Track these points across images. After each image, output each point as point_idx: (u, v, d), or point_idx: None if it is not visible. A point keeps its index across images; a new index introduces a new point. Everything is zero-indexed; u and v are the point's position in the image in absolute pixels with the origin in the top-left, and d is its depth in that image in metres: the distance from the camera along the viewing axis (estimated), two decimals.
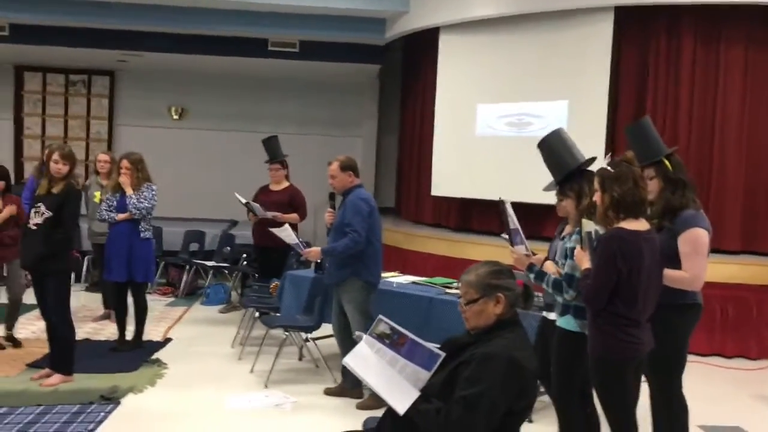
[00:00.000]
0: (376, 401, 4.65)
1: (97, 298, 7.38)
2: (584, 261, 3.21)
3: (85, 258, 8.74)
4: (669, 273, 3.47)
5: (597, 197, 3.25)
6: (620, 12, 7.34)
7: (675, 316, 3.58)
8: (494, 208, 3.92)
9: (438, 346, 2.59)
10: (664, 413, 3.71)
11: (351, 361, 2.54)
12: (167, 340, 6.34)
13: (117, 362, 5.50)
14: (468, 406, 2.32)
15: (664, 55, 7.35)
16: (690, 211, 3.57)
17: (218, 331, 6.76)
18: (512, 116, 8.05)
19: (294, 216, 6.94)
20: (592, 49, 7.39)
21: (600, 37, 7.34)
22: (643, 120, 3.96)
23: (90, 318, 7.02)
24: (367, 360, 2.53)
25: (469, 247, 7.77)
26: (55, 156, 4.92)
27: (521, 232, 3.68)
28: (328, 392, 5.00)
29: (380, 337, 2.55)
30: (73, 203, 4.99)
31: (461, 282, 2.60)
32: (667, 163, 3.68)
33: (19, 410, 4.38)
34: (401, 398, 2.43)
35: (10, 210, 5.67)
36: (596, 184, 3.24)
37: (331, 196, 5.22)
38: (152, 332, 6.46)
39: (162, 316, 7.36)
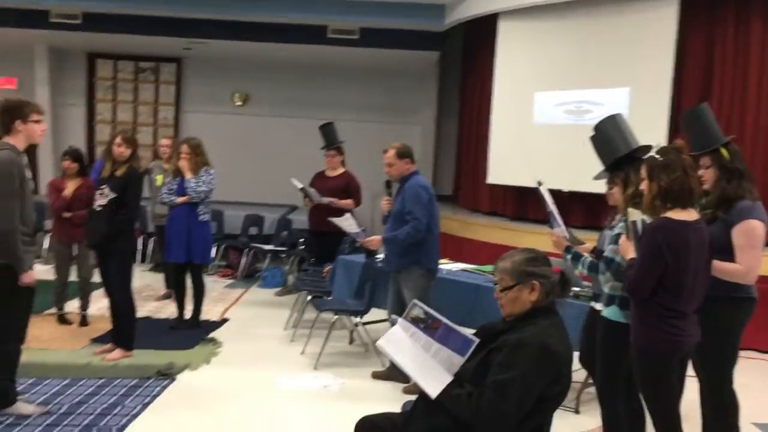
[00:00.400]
0: (392, 373, 4.71)
1: (160, 278, 7.65)
2: (629, 251, 3.15)
3: (150, 239, 9.05)
4: (722, 266, 3.37)
5: (644, 186, 3.18)
6: None
7: (728, 310, 3.48)
8: (552, 196, 3.88)
9: (473, 332, 2.61)
10: (714, 409, 3.63)
11: (385, 344, 2.58)
12: (224, 321, 6.53)
13: (175, 340, 5.70)
14: (499, 392, 2.33)
15: (731, 42, 7.08)
16: (746, 202, 3.46)
17: (273, 313, 6.92)
18: (571, 104, 7.92)
19: (349, 202, 7.01)
20: (656, 35, 7.19)
21: (664, 22, 7.13)
22: (701, 106, 3.83)
23: (152, 297, 7.29)
24: (401, 343, 2.57)
25: (524, 236, 7.70)
26: (118, 140, 5.13)
27: (558, 216, 3.65)
28: (376, 376, 5.06)
29: (415, 321, 2.58)
30: (135, 186, 5.19)
31: (497, 269, 2.60)
32: (724, 151, 3.57)
33: (81, 382, 4.61)
34: (434, 382, 2.46)
35: (67, 192, 5.91)
36: (644, 173, 3.16)
37: (388, 184, 5.18)
38: (210, 312, 6.67)
39: (220, 297, 7.58)
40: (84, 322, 6.04)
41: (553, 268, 2.58)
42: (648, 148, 3.51)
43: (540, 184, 3.60)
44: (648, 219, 3.17)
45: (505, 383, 2.33)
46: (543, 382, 2.36)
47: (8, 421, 3.85)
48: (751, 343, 6.30)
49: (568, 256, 3.58)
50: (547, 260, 2.59)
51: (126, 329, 5.22)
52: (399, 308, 4.94)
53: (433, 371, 2.50)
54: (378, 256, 5.82)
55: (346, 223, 5.23)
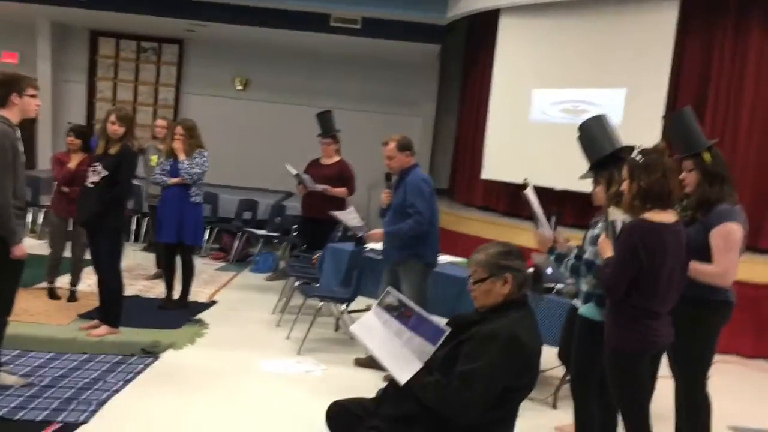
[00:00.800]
0: (375, 361, 4.71)
1: (151, 257, 7.69)
2: (607, 249, 3.18)
3: (145, 219, 9.08)
4: (698, 267, 3.41)
5: (625, 185, 3.20)
6: (686, 1, 7.11)
7: (705, 313, 3.53)
8: (545, 194, 3.91)
9: (446, 321, 2.65)
10: (687, 410, 3.67)
11: (358, 329, 2.63)
12: (212, 303, 6.57)
13: (162, 319, 5.75)
14: (465, 381, 2.38)
15: (729, 48, 7.11)
16: (725, 205, 3.50)
17: (262, 297, 6.96)
18: (568, 102, 7.95)
19: (343, 190, 7.04)
20: (655, 38, 7.21)
21: (663, 25, 7.15)
22: (685, 110, 3.86)
23: (143, 276, 7.33)
24: (374, 330, 2.61)
25: (517, 232, 7.73)
26: (112, 117, 5.15)
27: (542, 216, 3.68)
28: (359, 362, 5.11)
29: (388, 309, 2.62)
30: (128, 164, 5.18)
31: (471, 261, 2.64)
32: (706, 155, 3.60)
33: (65, 356, 4.66)
34: (404, 368, 2.51)
35: (71, 165, 5.94)
36: (624, 173, 3.18)
37: (388, 176, 5.13)
38: (199, 294, 6.71)
39: (211, 279, 7.62)
40: (73, 297, 6.07)
41: (528, 261, 2.61)
42: (631, 149, 3.54)
43: (526, 184, 3.63)
44: (628, 219, 3.21)
45: (471, 373, 2.38)
46: (510, 373, 2.41)
47: None
48: (731, 348, 6.35)
49: (552, 257, 3.61)
50: (520, 254, 2.63)
51: (113, 306, 5.26)
52: None
53: (403, 358, 2.54)
54: (367, 245, 5.86)
55: (350, 216, 5.20)
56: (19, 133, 3.94)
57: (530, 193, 3.63)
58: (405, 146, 4.94)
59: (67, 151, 6.10)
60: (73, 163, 5.95)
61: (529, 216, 3.75)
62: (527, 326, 2.51)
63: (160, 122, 7.35)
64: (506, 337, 2.41)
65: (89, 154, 5.97)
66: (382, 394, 2.68)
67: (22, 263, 3.97)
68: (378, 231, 4.98)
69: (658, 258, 3.01)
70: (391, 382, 2.61)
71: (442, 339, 2.53)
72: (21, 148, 3.92)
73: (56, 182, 6.11)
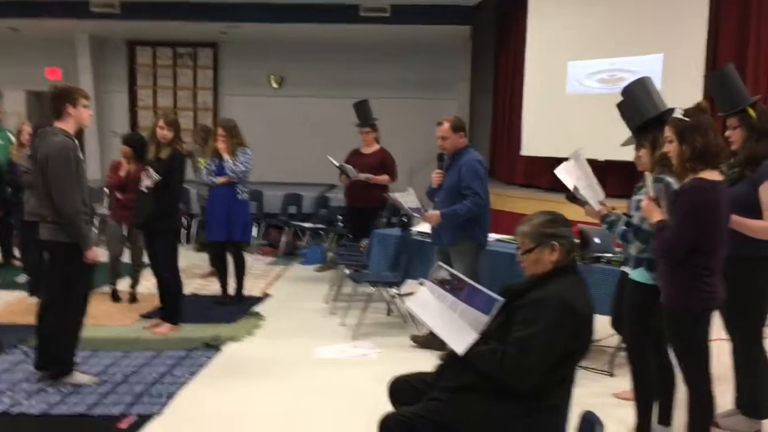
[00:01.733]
0: (431, 340, 4.73)
1: (204, 257, 7.90)
2: (655, 213, 3.17)
3: (194, 220, 9.31)
4: (749, 223, 3.41)
5: (671, 148, 3.17)
6: None
7: (757, 270, 3.52)
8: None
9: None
10: (746, 368, 3.68)
11: (413, 305, 2.71)
12: (266, 296, 6.75)
13: (220, 314, 5.93)
14: (522, 347, 2.44)
15: (767, 4, 6.94)
16: None
17: (313, 288, 7.11)
18: (604, 72, 7.89)
19: (385, 177, 7.11)
20: (689, 0, 7.10)
21: None
22: (727, 68, 3.83)
23: (198, 275, 7.54)
24: (429, 304, 2.69)
25: (559, 207, 7.55)
26: (160, 123, 5.33)
27: (597, 184, 3.70)
28: (415, 340, 5.18)
29: (441, 283, 2.70)
30: (178, 167, 5.38)
31: (517, 233, 2.70)
32: (751, 111, 3.57)
33: (133, 354, 4.86)
34: (461, 340, 2.58)
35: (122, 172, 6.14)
36: (671, 135, 3.12)
37: (440, 157, 5.08)
38: (253, 288, 6.89)
39: (263, 274, 7.80)
40: (134, 299, 6.30)
41: (574, 227, 2.66)
42: (672, 110, 3.52)
43: (578, 156, 3.64)
44: (673, 181, 3.21)
45: (527, 339, 2.44)
46: (563, 336, 2.46)
47: (67, 390, 4.10)
48: None
49: (605, 225, 3.60)
50: (566, 221, 2.68)
51: (173, 305, 5.46)
52: None
53: (459, 330, 2.61)
54: (413, 229, 5.93)
55: (409, 198, 5.15)
56: (77, 143, 4.13)
57: (582, 162, 3.64)
58: (459, 127, 4.97)
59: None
60: (123, 170, 6.15)
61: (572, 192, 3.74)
62: (577, 291, 2.56)
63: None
64: (557, 302, 2.46)
65: (141, 164, 6.18)
66: (440, 366, 2.75)
67: (94, 267, 4.19)
68: (435, 212, 4.93)
69: (718, 216, 3.03)
70: (448, 353, 2.69)
71: (496, 309, 2.59)
72: (81, 156, 4.11)
73: (108, 189, 6.32)
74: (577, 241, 2.69)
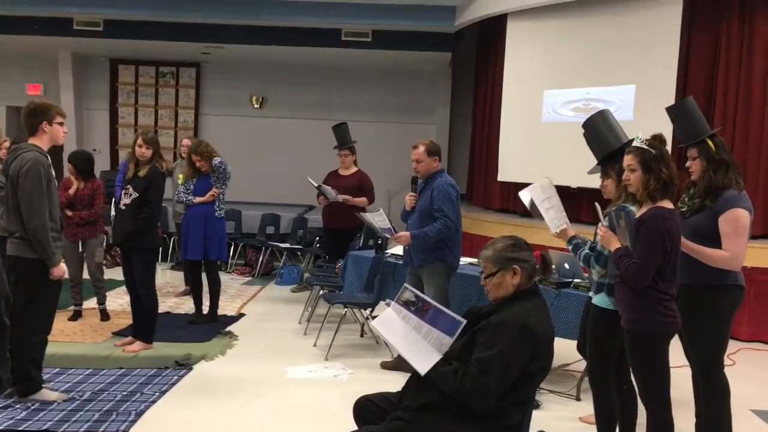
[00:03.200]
0: (401, 362, 4.78)
1: (179, 275, 7.89)
2: (612, 241, 3.28)
3: (171, 239, 9.31)
4: (709, 252, 3.51)
5: (632, 177, 3.26)
6: None
7: (717, 297, 3.60)
8: (561, 193, 4.01)
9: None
10: (707, 395, 3.74)
11: (378, 325, 2.76)
12: (240, 315, 6.76)
13: (193, 333, 5.94)
14: (482, 368, 2.51)
15: (736, 38, 7.17)
16: (732, 191, 3.58)
17: (288, 308, 7.13)
18: (579, 101, 8.05)
19: (363, 200, 7.19)
20: (661, 33, 7.30)
21: (669, 20, 7.24)
22: (687, 100, 3.97)
23: (173, 293, 7.54)
24: (393, 325, 2.75)
25: (533, 232, 7.80)
26: (139, 141, 5.38)
27: (560, 207, 3.80)
28: (385, 366, 5.24)
29: (406, 304, 2.76)
30: (157, 185, 5.39)
31: (480, 258, 2.77)
32: (710, 143, 3.69)
33: (103, 371, 4.85)
34: (423, 360, 2.64)
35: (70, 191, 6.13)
36: (634, 164, 3.22)
37: (414, 180, 5.19)
38: (227, 308, 6.91)
39: (238, 293, 7.81)
40: (105, 316, 6.28)
41: (535, 252, 2.74)
42: (632, 140, 3.64)
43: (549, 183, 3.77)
44: (634, 209, 3.32)
45: (487, 360, 2.50)
46: (523, 358, 2.53)
47: (34, 407, 4.09)
48: (755, 335, 6.41)
49: (570, 246, 3.69)
50: (527, 246, 2.76)
51: (147, 323, 5.45)
52: None
53: (423, 350, 2.67)
54: (388, 251, 6.00)
55: (379, 218, 5.23)
56: (49, 160, 4.15)
57: (549, 188, 3.75)
58: (434, 151, 5.06)
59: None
60: (73, 189, 6.15)
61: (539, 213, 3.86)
62: (538, 314, 2.64)
63: (185, 141, 7.52)
64: (518, 324, 2.53)
65: (92, 180, 6.23)
66: (404, 386, 2.80)
67: (60, 284, 4.19)
68: (405, 233, 5.02)
69: (676, 243, 3.13)
70: (412, 374, 2.74)
71: (459, 330, 2.66)
72: (53, 173, 4.13)
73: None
74: (538, 265, 2.76)
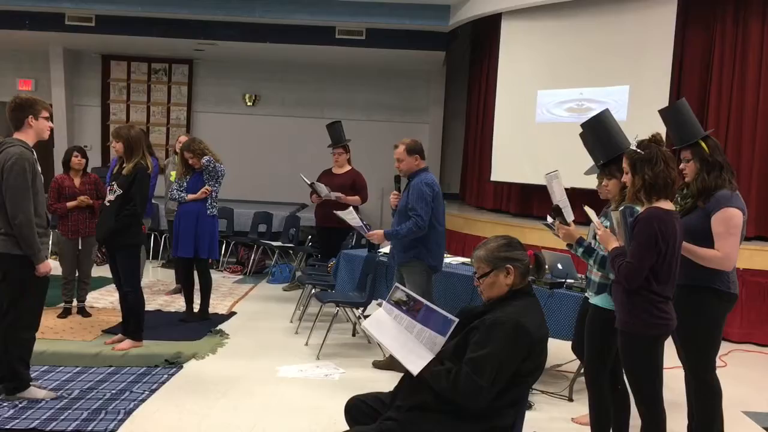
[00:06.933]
0: (393, 362, 4.81)
1: (171, 273, 7.84)
2: (610, 241, 3.27)
3: (163, 236, 9.26)
4: (701, 251, 3.51)
5: (627, 179, 3.29)
6: None
7: (710, 299, 3.60)
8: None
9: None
10: (698, 396, 3.73)
11: (370, 326, 2.73)
12: (232, 314, 6.71)
13: (183, 332, 5.89)
14: (475, 368, 2.48)
15: (730, 40, 7.18)
16: (725, 191, 3.58)
17: (280, 307, 7.09)
18: (572, 102, 8.05)
19: (356, 198, 7.17)
20: (655, 33, 7.30)
21: (663, 20, 7.24)
22: (680, 102, 3.96)
23: (163, 291, 7.49)
24: (385, 325, 2.72)
25: (527, 232, 7.82)
26: (112, 139, 5.36)
27: (568, 205, 3.75)
28: (377, 365, 5.21)
29: (397, 304, 2.73)
30: (141, 181, 5.25)
31: (473, 257, 2.75)
32: (703, 145, 3.68)
33: (92, 369, 4.80)
34: (416, 360, 2.61)
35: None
36: (626, 166, 3.27)
37: (397, 179, 5.26)
38: (219, 306, 6.86)
39: (229, 292, 7.77)
40: (83, 313, 6.23)
41: (528, 251, 2.72)
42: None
43: (556, 175, 3.71)
44: (640, 209, 3.30)
45: (480, 359, 2.48)
46: (516, 358, 2.51)
47: (22, 405, 4.04)
48: (747, 337, 6.41)
49: (580, 249, 3.58)
50: (520, 245, 2.73)
51: (135, 321, 5.41)
52: None
53: (415, 350, 2.65)
54: (380, 250, 5.98)
55: (350, 216, 5.35)
56: (35, 154, 4.10)
57: (557, 184, 3.71)
58: (414, 150, 5.05)
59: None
60: (78, 181, 6.15)
61: (544, 215, 3.78)
62: (531, 314, 2.61)
63: (181, 138, 7.45)
64: (511, 324, 2.51)
65: (87, 174, 6.22)
66: (396, 386, 2.78)
67: (46, 280, 4.13)
68: (378, 231, 5.13)
69: (671, 244, 3.11)
70: (404, 374, 2.72)
71: (451, 329, 2.63)
72: (39, 168, 4.07)
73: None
74: (531, 265, 2.74)
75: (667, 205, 3.19)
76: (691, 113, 3.81)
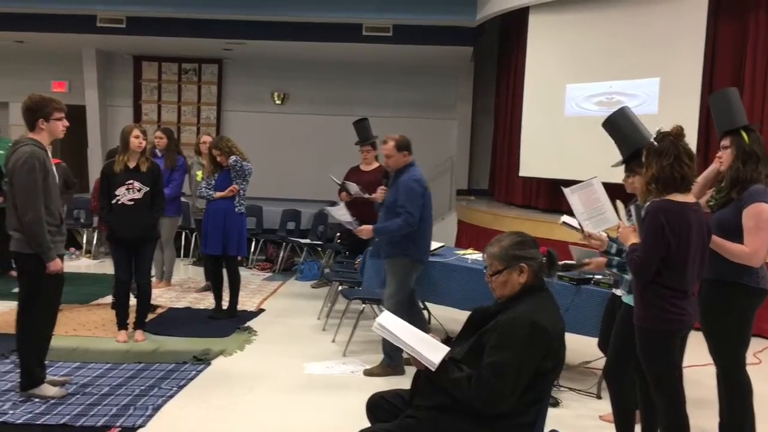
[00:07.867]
0: (383, 370, 4.91)
1: (201, 271, 7.93)
2: (630, 237, 3.22)
3: (193, 234, 9.36)
4: (728, 246, 3.43)
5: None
6: None
7: (738, 295, 3.52)
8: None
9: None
10: (729, 392, 3.66)
11: (379, 327, 2.69)
12: (260, 311, 6.76)
13: (212, 329, 5.96)
14: (496, 372, 2.44)
15: (763, 31, 7.00)
16: (759, 186, 3.48)
17: (308, 304, 7.13)
18: (602, 95, 7.94)
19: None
20: (686, 25, 7.16)
21: (694, 9, 7.11)
22: (730, 89, 3.86)
23: (193, 289, 7.57)
24: (395, 323, 2.69)
25: (557, 228, 7.70)
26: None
27: (611, 209, 3.74)
28: (368, 373, 5.03)
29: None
30: (162, 176, 5.65)
31: (486, 255, 2.71)
32: (744, 134, 3.60)
33: (122, 366, 4.88)
34: (434, 353, 2.58)
35: None
36: (644, 158, 3.23)
37: (386, 174, 5.33)
38: (247, 303, 6.92)
39: (258, 289, 7.83)
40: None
41: (541, 248, 2.68)
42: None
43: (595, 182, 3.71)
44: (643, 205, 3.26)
45: (500, 364, 2.44)
46: (535, 358, 2.47)
47: (53, 401, 4.11)
48: None
49: (617, 258, 3.64)
50: (534, 242, 2.69)
51: (146, 311, 5.66)
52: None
53: (429, 344, 2.62)
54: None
55: (340, 212, 5.40)
56: (50, 153, 4.12)
57: (599, 188, 3.71)
58: (403, 146, 5.07)
59: None
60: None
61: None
62: (545, 310, 2.57)
63: (204, 138, 7.56)
64: (527, 324, 2.47)
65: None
66: (412, 386, 2.75)
67: (61, 279, 4.15)
68: (368, 227, 5.13)
69: (684, 237, 3.04)
70: (418, 373, 2.69)
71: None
72: (52, 167, 4.09)
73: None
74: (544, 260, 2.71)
75: (683, 197, 3.11)
76: (738, 102, 3.72)
